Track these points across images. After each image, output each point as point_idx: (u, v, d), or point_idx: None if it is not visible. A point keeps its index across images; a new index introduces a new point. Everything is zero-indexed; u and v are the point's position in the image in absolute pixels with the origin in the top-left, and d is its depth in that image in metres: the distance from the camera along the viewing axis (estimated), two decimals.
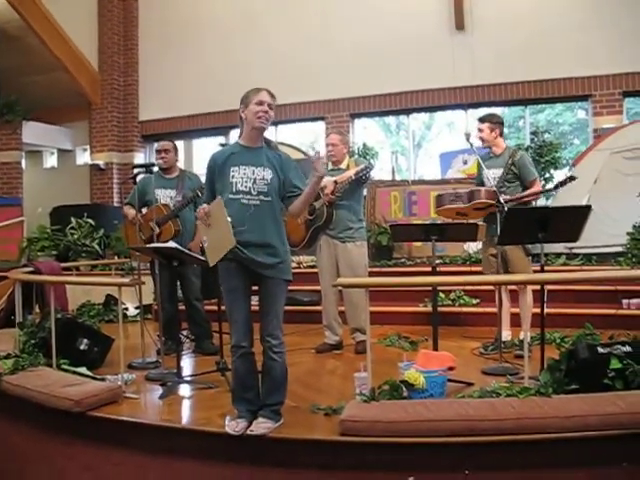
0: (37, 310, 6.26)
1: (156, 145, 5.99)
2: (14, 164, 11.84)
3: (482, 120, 5.42)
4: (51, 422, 3.95)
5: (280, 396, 3.52)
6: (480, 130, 5.38)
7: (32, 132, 11.97)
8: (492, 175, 5.16)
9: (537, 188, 5.32)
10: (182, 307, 5.71)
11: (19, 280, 5.35)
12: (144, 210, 5.65)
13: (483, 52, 9.75)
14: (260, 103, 3.48)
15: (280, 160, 3.56)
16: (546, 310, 4.19)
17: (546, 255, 6.96)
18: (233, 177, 3.45)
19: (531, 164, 5.39)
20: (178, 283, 5.64)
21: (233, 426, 3.38)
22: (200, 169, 6.87)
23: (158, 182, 5.60)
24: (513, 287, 5.46)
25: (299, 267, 8.23)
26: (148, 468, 3.43)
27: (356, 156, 9.16)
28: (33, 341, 4.94)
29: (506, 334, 5.39)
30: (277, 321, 3.45)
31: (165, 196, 5.67)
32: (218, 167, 3.53)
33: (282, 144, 9.97)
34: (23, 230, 10.76)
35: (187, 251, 4.55)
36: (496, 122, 5.39)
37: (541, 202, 8.97)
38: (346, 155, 5.75)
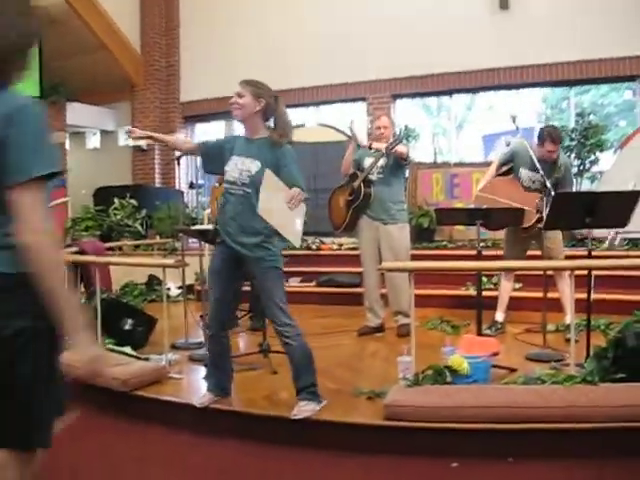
0: (82, 289, 6.35)
1: None
2: (58, 145, 11.97)
3: (556, 141, 5.10)
4: (97, 400, 4.01)
5: (309, 378, 3.50)
6: (550, 151, 5.09)
7: (75, 113, 12.06)
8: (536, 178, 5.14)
9: None
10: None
11: (67, 262, 5.41)
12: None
13: (527, 32, 9.46)
14: None
15: (276, 153, 3.47)
16: (592, 296, 4.13)
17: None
18: (228, 165, 3.54)
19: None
20: None
21: (199, 398, 3.65)
22: None
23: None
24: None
25: (340, 249, 8.23)
26: (191, 448, 3.46)
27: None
28: None
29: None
30: (277, 308, 3.43)
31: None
32: (227, 146, 3.63)
33: (323, 125, 9.95)
34: (67, 211, 10.92)
35: None
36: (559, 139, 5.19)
37: (585, 186, 8.83)
38: (391, 138, 5.71)
